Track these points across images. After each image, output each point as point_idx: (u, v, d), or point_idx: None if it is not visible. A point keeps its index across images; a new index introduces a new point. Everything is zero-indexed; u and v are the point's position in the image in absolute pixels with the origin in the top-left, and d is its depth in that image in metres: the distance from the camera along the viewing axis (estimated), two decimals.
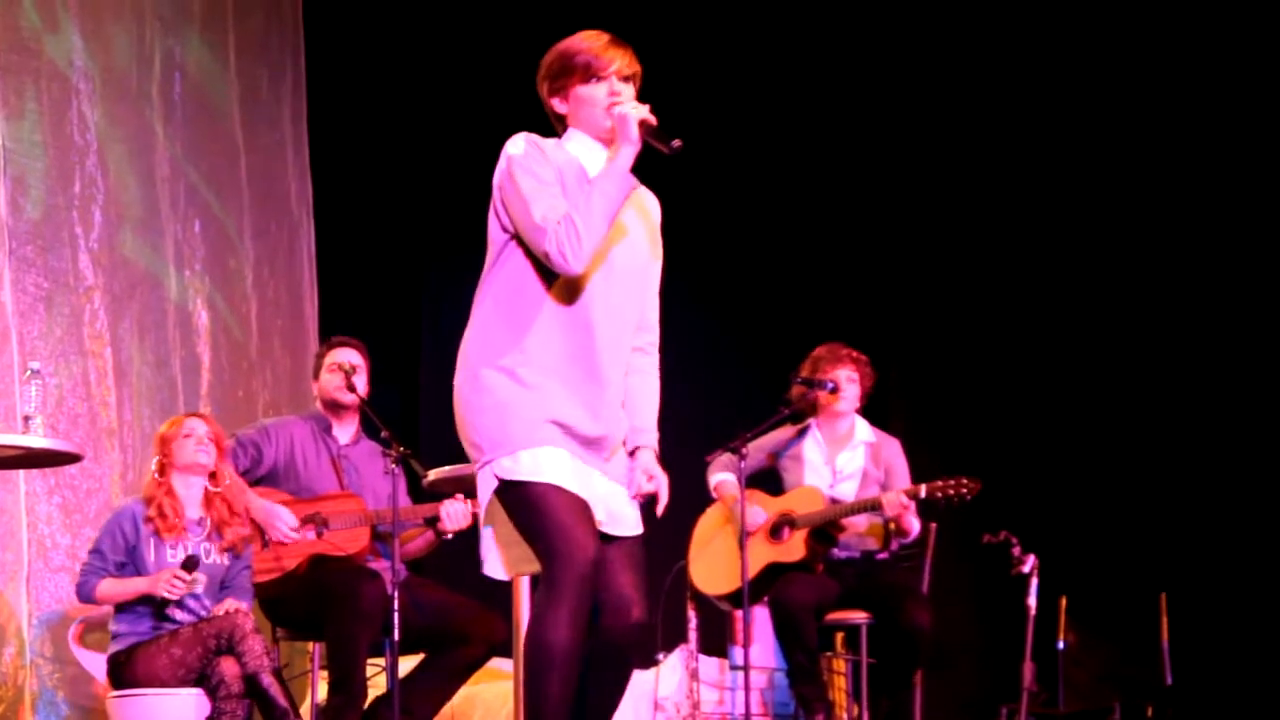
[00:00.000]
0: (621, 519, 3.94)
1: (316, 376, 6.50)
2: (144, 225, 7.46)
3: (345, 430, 6.45)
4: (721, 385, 8.62)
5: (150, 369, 7.39)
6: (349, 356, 6.41)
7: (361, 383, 6.36)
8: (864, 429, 6.87)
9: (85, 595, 5.81)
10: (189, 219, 7.73)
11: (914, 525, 6.60)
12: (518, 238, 3.93)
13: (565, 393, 3.86)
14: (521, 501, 3.83)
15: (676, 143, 3.88)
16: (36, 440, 5.42)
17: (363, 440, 6.48)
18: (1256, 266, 8.22)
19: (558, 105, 4.04)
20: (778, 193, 9.00)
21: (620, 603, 3.87)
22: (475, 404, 3.89)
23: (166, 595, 5.69)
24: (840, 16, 8.98)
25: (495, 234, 4.00)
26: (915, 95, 8.95)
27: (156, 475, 5.88)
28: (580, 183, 3.94)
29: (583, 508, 3.81)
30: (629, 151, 3.90)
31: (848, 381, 6.78)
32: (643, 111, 3.92)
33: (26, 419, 5.50)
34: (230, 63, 8.16)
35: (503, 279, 3.94)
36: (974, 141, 8.84)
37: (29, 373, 5.59)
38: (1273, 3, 8.10)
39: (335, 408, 6.41)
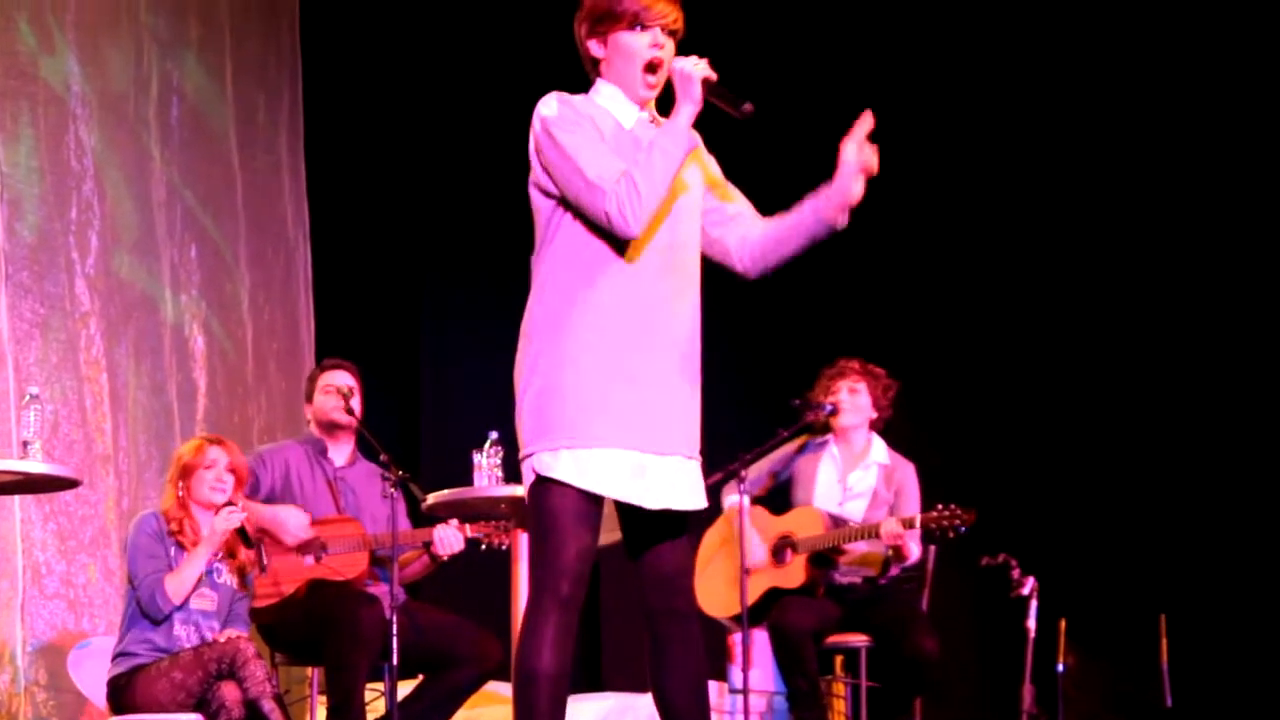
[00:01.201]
0: (695, 495, 3.84)
1: (310, 399, 6.49)
2: (140, 249, 7.46)
3: (340, 452, 6.43)
4: (719, 404, 8.59)
5: (146, 394, 7.38)
6: (344, 379, 6.41)
7: (357, 404, 6.35)
8: (880, 449, 6.82)
9: (162, 603, 5.61)
10: (185, 243, 7.73)
11: (914, 551, 6.57)
12: (564, 202, 3.78)
13: (631, 366, 3.74)
14: (543, 502, 3.73)
15: (748, 106, 3.73)
16: (35, 465, 5.42)
17: (359, 462, 6.46)
18: (1251, 294, 8.23)
19: (594, 48, 3.87)
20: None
21: (661, 575, 3.83)
22: (531, 388, 3.78)
23: (228, 526, 5.66)
24: (850, 29, 9.00)
25: (540, 203, 3.84)
26: (920, 115, 8.94)
27: (179, 495, 5.83)
28: (617, 137, 3.80)
29: (591, 531, 3.73)
30: (690, 110, 3.75)
31: (849, 393, 6.75)
32: (704, 68, 3.77)
33: (25, 444, 5.50)
34: (227, 86, 8.16)
35: (558, 250, 3.79)
36: (978, 165, 8.84)
37: (28, 398, 5.58)
38: (1273, 2, 8.10)
39: (331, 429, 6.40)
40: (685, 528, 3.88)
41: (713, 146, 4.07)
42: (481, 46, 8.97)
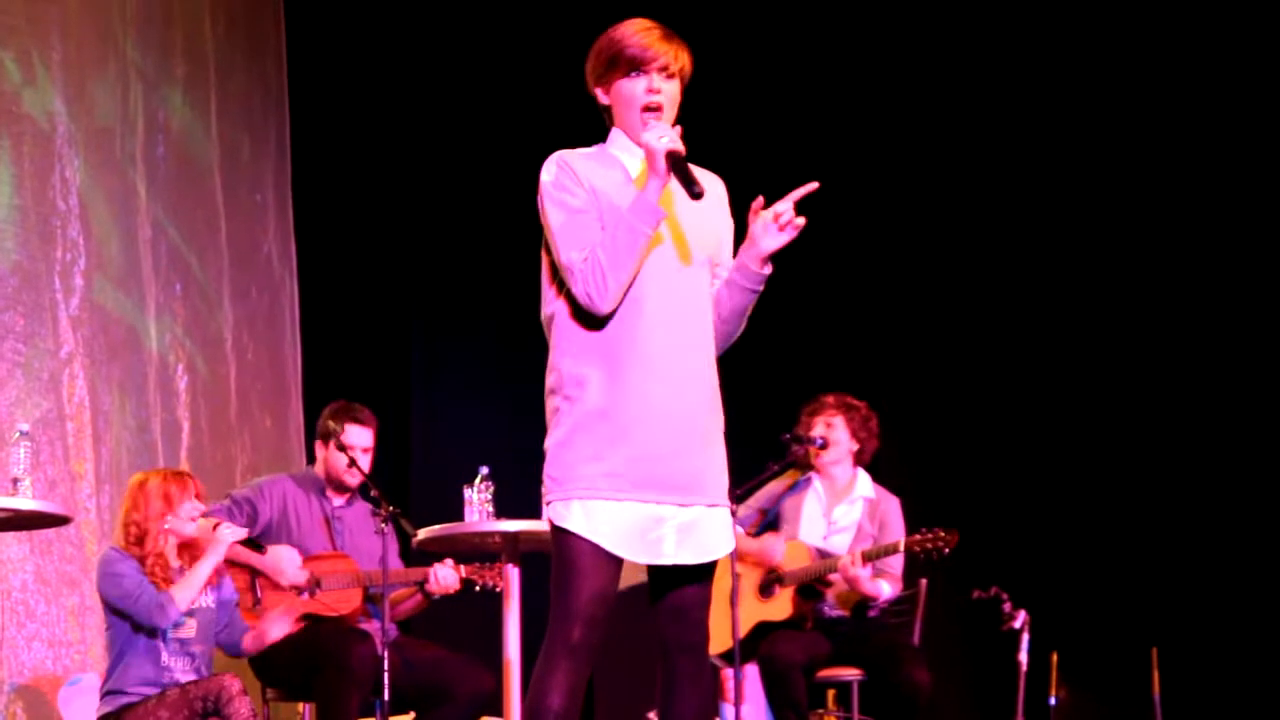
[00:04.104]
0: (717, 545, 3.87)
1: (325, 443, 6.43)
2: (125, 287, 7.43)
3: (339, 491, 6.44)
4: None
5: (130, 433, 7.35)
6: (363, 439, 6.36)
7: (367, 460, 6.34)
8: (865, 484, 6.84)
9: (172, 612, 5.61)
10: (170, 281, 7.71)
11: (879, 590, 6.57)
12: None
13: (647, 421, 3.76)
14: (559, 549, 3.78)
15: (699, 188, 3.71)
16: (25, 502, 5.39)
17: (356, 501, 6.46)
18: (1237, 331, 8.29)
19: (601, 97, 3.91)
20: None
21: (678, 607, 3.87)
22: (552, 440, 3.83)
23: (235, 538, 5.70)
24: (833, 61, 9.06)
25: (545, 259, 3.87)
26: (901, 142, 9.02)
27: (163, 535, 5.79)
28: (623, 190, 3.81)
29: (609, 578, 3.76)
30: (655, 185, 3.74)
31: (825, 428, 6.76)
32: (671, 141, 3.76)
33: (15, 481, 5.47)
34: (212, 124, 8.16)
35: (566, 308, 3.82)
36: (961, 191, 8.90)
37: (17, 434, 5.56)
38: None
39: (339, 485, 6.40)
40: (710, 565, 3.90)
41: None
42: (470, 85, 9.00)
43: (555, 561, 3.79)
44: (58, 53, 7.20)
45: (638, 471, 3.76)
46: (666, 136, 3.76)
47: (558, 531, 3.78)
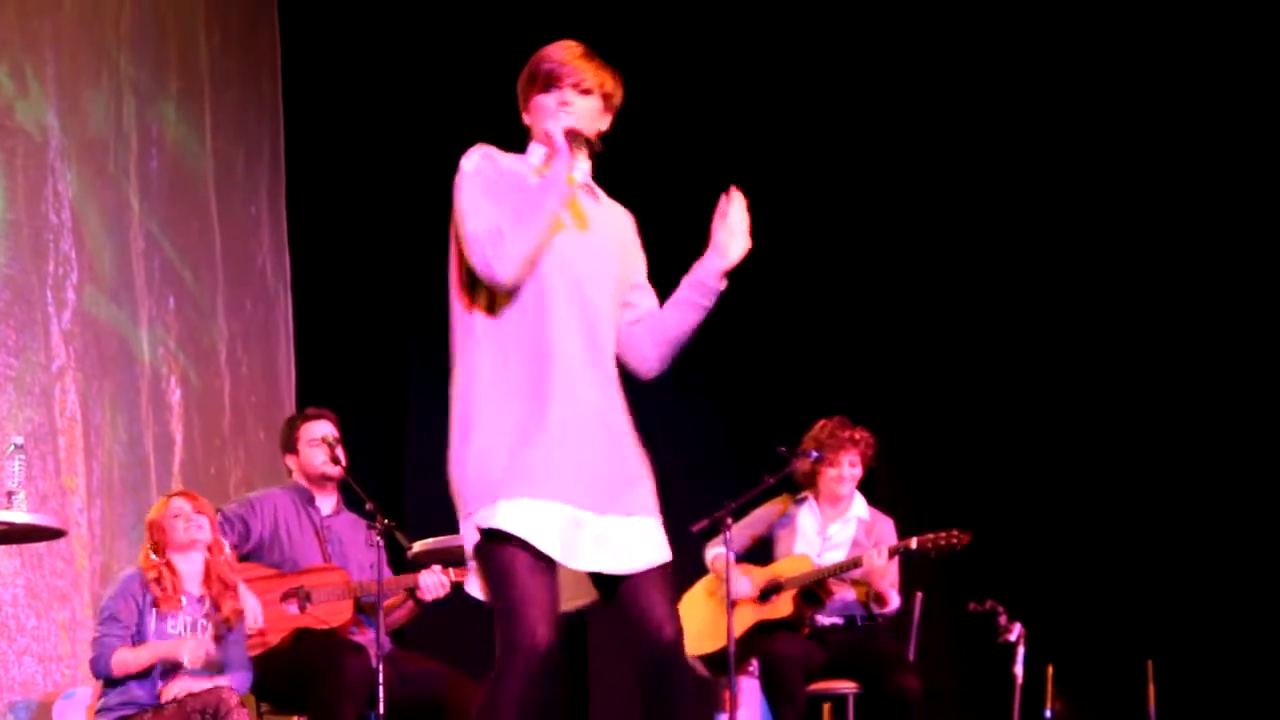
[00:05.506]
0: (642, 553, 3.77)
1: (293, 451, 6.46)
2: (118, 300, 7.42)
3: (327, 501, 6.43)
4: (703, 448, 8.59)
5: (122, 447, 7.33)
6: (328, 429, 6.39)
7: (341, 453, 6.33)
8: (860, 505, 6.91)
9: (103, 669, 5.58)
10: (163, 294, 7.70)
11: (892, 597, 6.62)
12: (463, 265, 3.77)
13: (559, 427, 3.70)
14: (491, 558, 3.67)
15: (599, 145, 3.84)
16: (21, 515, 5.37)
17: (344, 511, 6.46)
18: (1235, 342, 8.31)
19: (524, 116, 3.92)
20: (760, 250, 9.01)
21: (650, 624, 3.76)
22: (460, 454, 3.74)
23: (188, 662, 5.56)
24: (826, 76, 9.08)
25: (454, 255, 3.83)
26: (895, 155, 9.03)
27: (152, 555, 5.76)
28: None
29: (549, 581, 3.65)
30: (560, 163, 3.76)
31: (849, 466, 6.81)
32: (566, 122, 3.81)
33: (10, 494, 5.45)
34: (207, 138, 8.15)
35: (474, 313, 3.78)
36: (956, 208, 8.92)
37: (12, 447, 5.55)
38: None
39: (320, 481, 6.39)
40: (667, 579, 3.82)
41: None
42: (464, 97, 8.98)
43: (490, 573, 3.66)
44: (51, 66, 7.19)
45: (552, 473, 3.68)
46: (564, 120, 3.80)
47: (488, 540, 3.67)
